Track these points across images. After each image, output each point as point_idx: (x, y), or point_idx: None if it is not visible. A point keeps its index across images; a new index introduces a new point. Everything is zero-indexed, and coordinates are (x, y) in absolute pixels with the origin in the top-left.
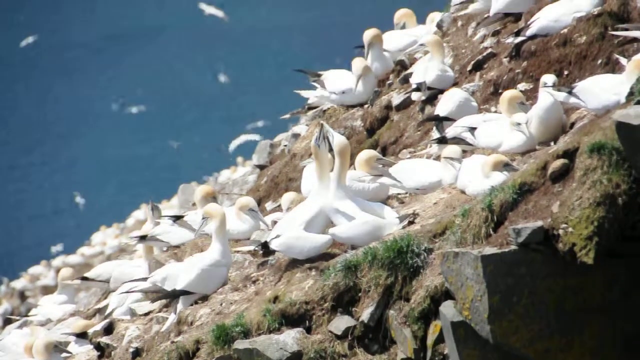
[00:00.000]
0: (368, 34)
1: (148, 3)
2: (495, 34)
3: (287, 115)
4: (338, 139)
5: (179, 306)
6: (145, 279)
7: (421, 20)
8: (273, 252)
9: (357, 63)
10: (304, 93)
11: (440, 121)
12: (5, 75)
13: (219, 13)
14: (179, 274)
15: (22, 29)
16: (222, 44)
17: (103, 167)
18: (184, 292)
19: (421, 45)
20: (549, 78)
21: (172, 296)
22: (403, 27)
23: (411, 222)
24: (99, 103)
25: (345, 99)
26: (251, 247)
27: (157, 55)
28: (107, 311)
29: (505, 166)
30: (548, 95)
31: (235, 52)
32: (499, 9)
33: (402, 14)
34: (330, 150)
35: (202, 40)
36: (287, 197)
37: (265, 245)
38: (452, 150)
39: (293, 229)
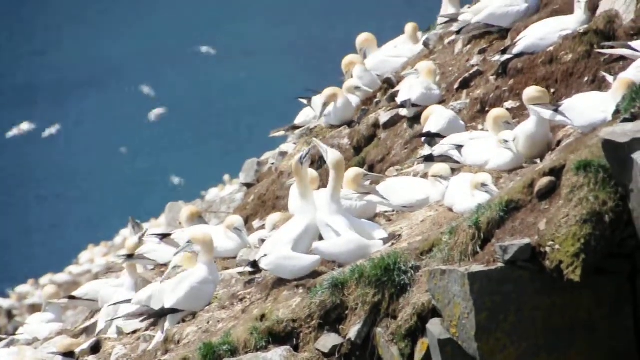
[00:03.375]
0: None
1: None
2: (482, 52)
3: (277, 133)
4: (332, 154)
5: (167, 324)
6: (129, 300)
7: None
8: (261, 270)
9: (325, 91)
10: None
11: (431, 137)
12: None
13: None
14: (166, 292)
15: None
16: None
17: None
18: (172, 311)
19: (415, 70)
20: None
21: (160, 315)
22: (364, 55)
23: (393, 244)
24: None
25: (327, 120)
26: (240, 269)
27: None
28: (97, 331)
29: (483, 186)
30: (535, 113)
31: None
32: (481, 20)
33: (363, 40)
34: (322, 165)
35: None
36: (271, 219)
37: (254, 264)
38: (441, 168)
39: (281, 249)
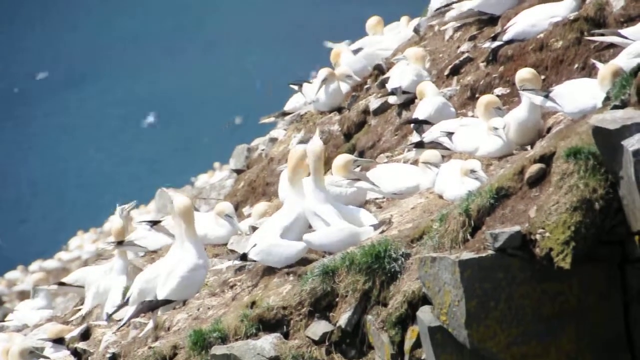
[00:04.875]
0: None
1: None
2: (472, 38)
3: (267, 120)
4: (311, 144)
5: (158, 311)
6: (126, 302)
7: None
8: (252, 261)
9: (322, 70)
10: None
11: (419, 124)
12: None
13: None
14: (158, 284)
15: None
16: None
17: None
18: (166, 302)
19: (403, 57)
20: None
21: (155, 307)
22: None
23: (383, 231)
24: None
25: (317, 106)
26: (229, 263)
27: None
28: (83, 313)
29: (472, 172)
30: (526, 99)
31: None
32: (474, 7)
33: (375, 24)
34: None
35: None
36: (258, 209)
37: (244, 257)
38: (432, 154)
39: (270, 237)
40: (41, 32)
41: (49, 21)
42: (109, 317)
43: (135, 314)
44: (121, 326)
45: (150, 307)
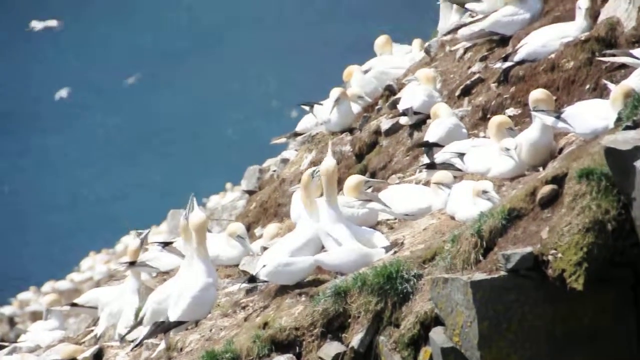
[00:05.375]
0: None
1: None
2: (483, 59)
3: (278, 140)
4: (325, 163)
5: (170, 332)
6: (139, 323)
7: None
8: (263, 282)
9: (334, 90)
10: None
11: (429, 147)
12: None
13: None
14: (169, 305)
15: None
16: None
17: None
18: (178, 323)
19: (414, 78)
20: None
21: (167, 329)
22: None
23: (395, 252)
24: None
25: (328, 127)
26: (237, 286)
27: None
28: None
29: (484, 193)
30: (538, 119)
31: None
32: (485, 27)
33: (383, 43)
34: None
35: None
36: (269, 231)
37: (252, 279)
38: (443, 175)
39: (278, 257)
40: (61, 50)
41: (74, 42)
42: (122, 338)
43: (148, 336)
44: (134, 347)
45: (163, 329)
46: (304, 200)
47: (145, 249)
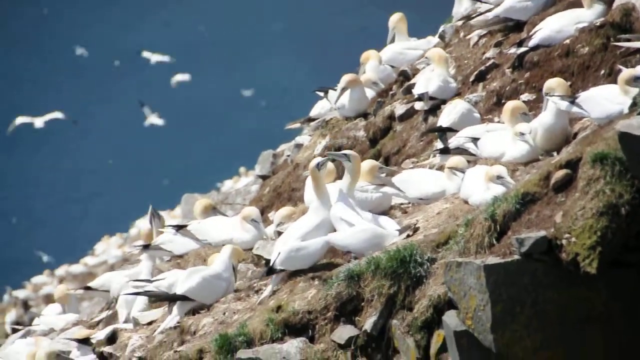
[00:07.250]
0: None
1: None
2: (498, 44)
3: (293, 126)
4: (352, 157)
5: (175, 311)
6: (150, 281)
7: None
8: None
9: (345, 77)
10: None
11: (443, 132)
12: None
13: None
14: (180, 280)
15: None
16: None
17: (106, 175)
18: (182, 297)
19: (425, 58)
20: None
21: (171, 300)
22: (393, 37)
23: (409, 236)
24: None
25: (342, 112)
26: (258, 279)
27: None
28: (120, 321)
29: (498, 178)
30: (553, 104)
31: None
32: (499, 13)
33: (396, 20)
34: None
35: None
36: (280, 213)
37: (270, 271)
38: (457, 160)
39: (290, 242)
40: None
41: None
42: (135, 321)
43: (150, 295)
44: (134, 293)
45: (167, 298)
46: (314, 190)
47: (159, 232)
